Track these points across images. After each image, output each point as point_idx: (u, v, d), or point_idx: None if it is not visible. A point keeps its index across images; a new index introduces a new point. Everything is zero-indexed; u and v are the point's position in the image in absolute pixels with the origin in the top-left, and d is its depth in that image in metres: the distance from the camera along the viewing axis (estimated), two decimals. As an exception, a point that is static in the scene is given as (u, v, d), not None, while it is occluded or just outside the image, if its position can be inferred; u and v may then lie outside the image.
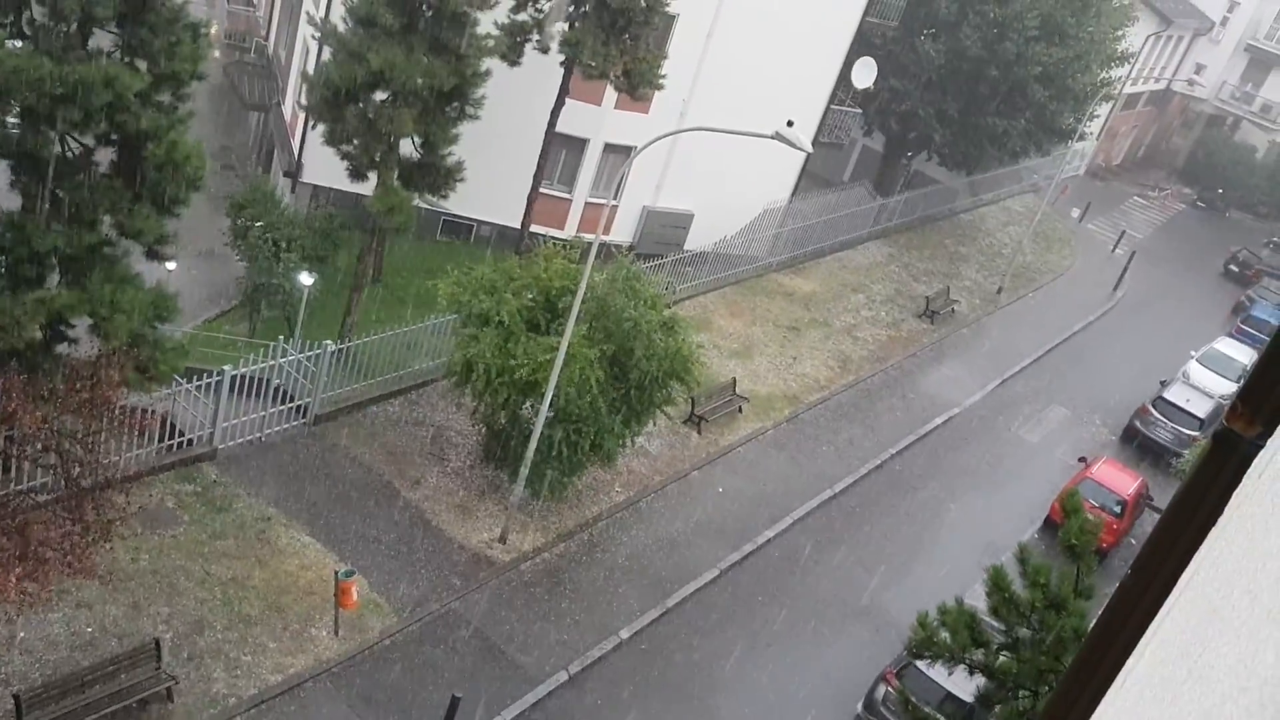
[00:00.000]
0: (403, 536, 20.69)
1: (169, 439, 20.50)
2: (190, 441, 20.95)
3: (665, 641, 20.37)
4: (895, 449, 28.27)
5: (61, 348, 17.40)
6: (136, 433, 19.17)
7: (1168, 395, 32.60)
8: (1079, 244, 46.56)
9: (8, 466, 16.99)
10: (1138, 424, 32.11)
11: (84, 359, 16.74)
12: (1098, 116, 47.11)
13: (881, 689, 19.23)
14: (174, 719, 16.07)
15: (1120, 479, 27.49)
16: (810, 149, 19.19)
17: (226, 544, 19.27)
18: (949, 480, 27.84)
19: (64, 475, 15.56)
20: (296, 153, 30.16)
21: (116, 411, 17.19)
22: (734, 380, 27.77)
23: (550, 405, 19.55)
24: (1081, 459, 28.88)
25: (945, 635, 13.25)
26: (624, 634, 20.12)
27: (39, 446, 15.87)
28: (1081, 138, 44.10)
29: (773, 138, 17.11)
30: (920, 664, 17.44)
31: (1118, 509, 26.29)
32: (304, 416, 22.68)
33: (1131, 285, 43.09)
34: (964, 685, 16.05)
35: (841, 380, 30.65)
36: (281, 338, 22.39)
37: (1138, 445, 31.74)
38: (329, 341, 22.47)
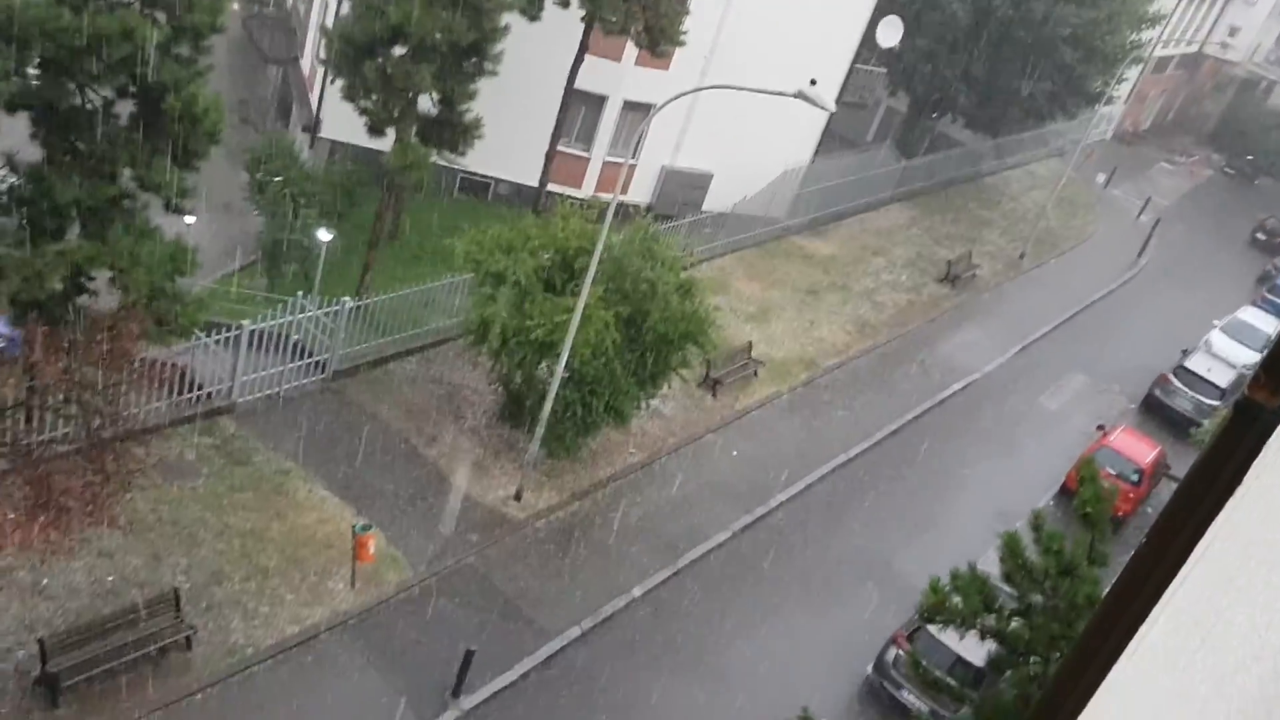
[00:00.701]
0: (420, 492, 20.84)
1: (188, 392, 20.64)
2: (209, 395, 21.09)
3: (677, 600, 20.50)
4: (912, 414, 28.21)
5: (82, 300, 17.49)
6: (156, 385, 19.30)
7: (1189, 364, 32.35)
8: (1103, 210, 46.08)
9: (30, 416, 17.14)
10: (1158, 393, 31.91)
11: (104, 311, 16.83)
12: (1126, 80, 46.40)
13: (892, 652, 19.32)
14: (192, 668, 16.32)
15: (1138, 447, 27.38)
16: (833, 108, 19.00)
17: (245, 496, 19.46)
18: (965, 447, 27.79)
19: (85, 426, 15.68)
20: (315, 107, 30.05)
21: (136, 364, 17.29)
22: (750, 344, 27.71)
23: (566, 366, 19.57)
24: (1100, 427, 28.76)
25: (957, 600, 13.27)
26: (636, 592, 20.26)
27: (60, 397, 15.99)
28: (1109, 101, 43.51)
29: (795, 97, 16.93)
30: (931, 628, 17.50)
31: (1135, 477, 26.21)
32: (322, 372, 22.79)
33: (1156, 252, 42.67)
34: (975, 650, 16.09)
35: (859, 345, 30.54)
36: (300, 293, 22.44)
37: (1153, 411, 31.59)
38: (347, 298, 22.51)
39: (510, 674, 17.98)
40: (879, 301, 33.12)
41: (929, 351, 31.48)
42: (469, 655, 17.01)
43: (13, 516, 13.42)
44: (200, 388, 20.90)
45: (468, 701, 17.28)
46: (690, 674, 19.09)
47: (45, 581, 16.59)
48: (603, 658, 18.88)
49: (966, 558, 16.34)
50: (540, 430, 20.57)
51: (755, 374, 27.37)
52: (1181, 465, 27.41)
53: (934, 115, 43.35)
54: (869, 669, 19.77)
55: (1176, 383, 31.81)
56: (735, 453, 24.87)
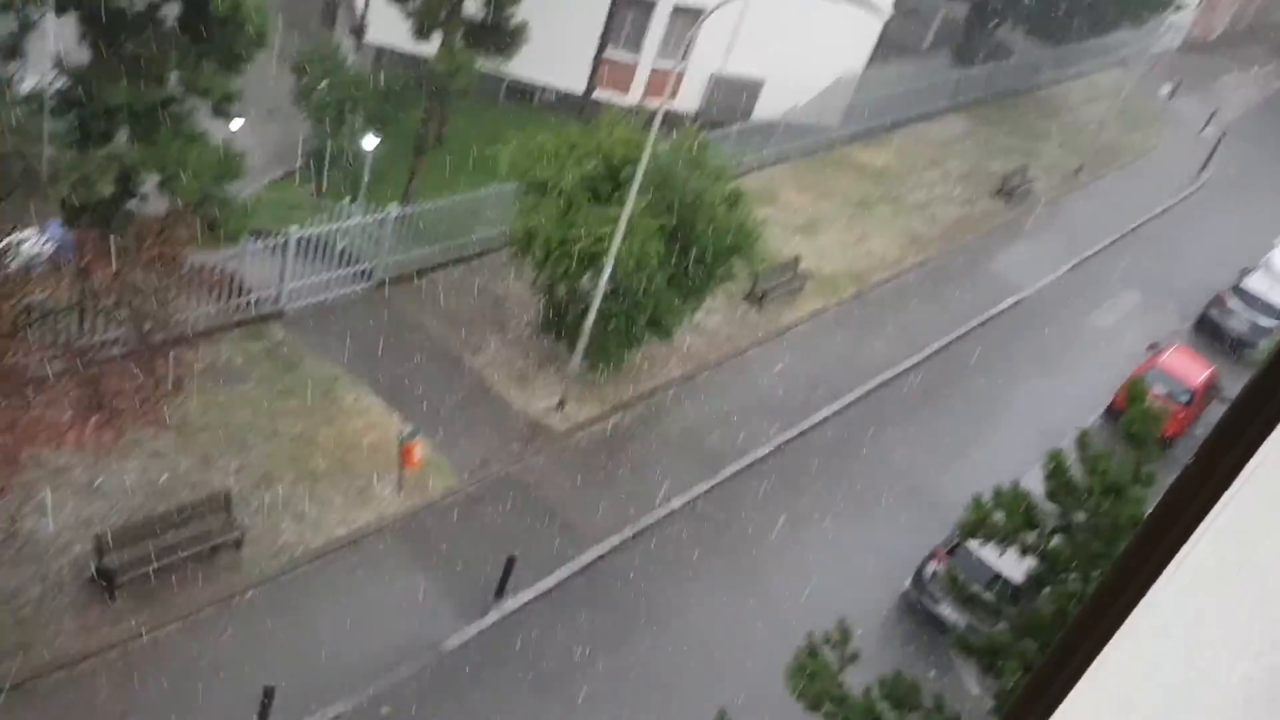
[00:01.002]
0: (464, 401, 21.04)
1: (237, 298, 20.86)
2: (257, 301, 21.30)
3: (716, 513, 20.66)
4: (960, 331, 27.89)
5: (131, 204, 17.63)
6: (205, 291, 19.52)
7: (1247, 284, 31.56)
8: (1166, 123, 44.63)
9: (82, 319, 17.44)
10: (1213, 313, 31.23)
11: (154, 216, 16.96)
12: (1197, -14, 44.49)
13: (931, 567, 19.40)
14: (243, 567, 16.78)
15: (1190, 368, 26.91)
16: (888, 13, 18.42)
17: (293, 402, 19.76)
18: (1013, 364, 27.47)
19: (136, 329, 15.92)
20: (361, 11, 29.72)
21: (185, 269, 17.45)
22: (798, 257, 27.40)
23: (609, 278, 19.48)
24: (1151, 346, 28.27)
25: (999, 516, 13.22)
26: (676, 503, 20.44)
27: (111, 301, 16.21)
28: (1178, 8, 41.81)
29: (850, 1, 16.43)
30: (971, 544, 17.52)
31: (1185, 398, 25.80)
32: (368, 280, 22.89)
33: (1219, 168, 41.35)
34: (1014, 567, 16.10)
35: (910, 259, 30.12)
36: (347, 200, 22.47)
37: (1208, 332, 30.97)
38: (393, 205, 22.50)
39: (550, 579, 18.31)
40: (931, 215, 32.53)
41: (980, 267, 30.98)
42: (511, 561, 17.33)
43: (67, 417, 13.73)
44: (249, 294, 21.11)
45: (510, 604, 17.66)
46: (728, 584, 19.32)
47: (99, 480, 17.04)
48: (642, 566, 19.14)
49: (1010, 476, 16.30)
50: (583, 342, 20.59)
51: (802, 288, 27.12)
52: (1234, 387, 26.94)
53: (993, 22, 41.96)
54: (907, 583, 19.88)
55: (1233, 303, 31.09)
56: (779, 368, 24.79)
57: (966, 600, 14.51)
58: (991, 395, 26.23)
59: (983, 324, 28.56)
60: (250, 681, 14.74)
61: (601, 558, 19.04)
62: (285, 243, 21.01)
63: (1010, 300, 29.80)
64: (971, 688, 17.43)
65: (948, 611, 18.48)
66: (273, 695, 14.43)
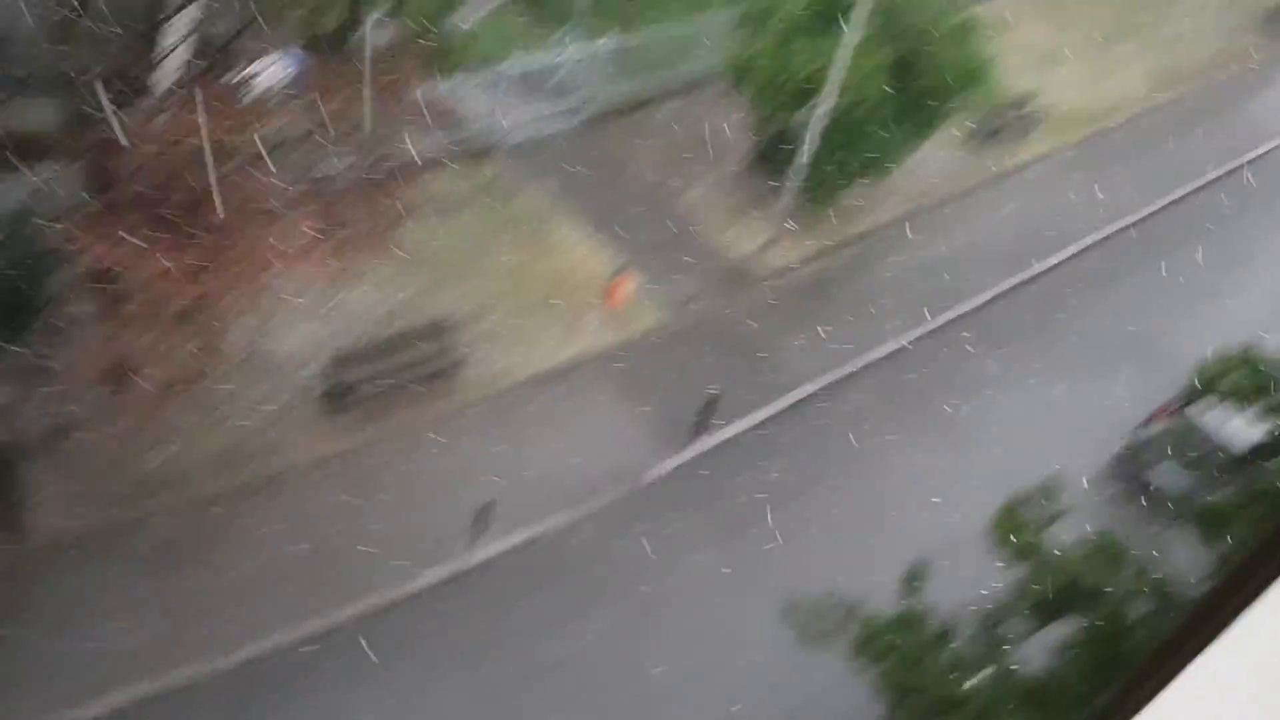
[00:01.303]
0: (672, 239, 21.09)
1: (456, 131, 21.33)
2: (476, 134, 21.74)
3: (927, 361, 20.17)
4: (1209, 178, 25.62)
5: (360, 33, 18.07)
6: (427, 122, 20.01)
7: None
8: None
9: (314, 149, 18.25)
10: None
11: (382, 47, 17.36)
12: None
13: (1149, 429, 18.47)
14: (461, 390, 17.73)
15: None
16: None
17: (508, 235, 20.33)
18: (1267, 216, 25.10)
19: (363, 160, 16.57)
20: None
21: (409, 100, 17.90)
22: (1032, 94, 25.58)
23: (827, 113, 18.78)
24: None
25: (1235, 378, 12.37)
26: (882, 350, 20.07)
27: (342, 131, 16.88)
28: None
29: None
30: (1195, 409, 16.55)
31: None
32: (582, 114, 22.94)
33: None
34: (1236, 435, 15.17)
35: (1157, 98, 27.67)
36: (562, 31, 22.37)
37: None
38: (606, 38, 22.26)
39: (750, 419, 18.50)
40: (1183, 49, 29.57)
41: (1236, 109, 28.15)
42: (714, 398, 17.58)
43: (302, 244, 14.57)
44: (467, 126, 21.53)
45: (709, 441, 18.01)
46: (934, 434, 19.00)
47: (330, 305, 18.18)
48: (842, 412, 19.02)
49: (1251, 336, 15.13)
50: (796, 181, 20.11)
51: (1034, 128, 25.42)
52: None
53: None
54: (1122, 445, 19.01)
55: None
56: (1004, 212, 23.55)
57: (1188, 465, 13.83)
58: (1238, 249, 24.14)
59: (1235, 170, 26.12)
60: (466, 494, 15.75)
61: (802, 401, 19.05)
62: (502, 76, 21.22)
63: (1268, 145, 27.04)
64: (1180, 554, 16.71)
65: (1163, 477, 17.64)
66: (492, 508, 15.36)
